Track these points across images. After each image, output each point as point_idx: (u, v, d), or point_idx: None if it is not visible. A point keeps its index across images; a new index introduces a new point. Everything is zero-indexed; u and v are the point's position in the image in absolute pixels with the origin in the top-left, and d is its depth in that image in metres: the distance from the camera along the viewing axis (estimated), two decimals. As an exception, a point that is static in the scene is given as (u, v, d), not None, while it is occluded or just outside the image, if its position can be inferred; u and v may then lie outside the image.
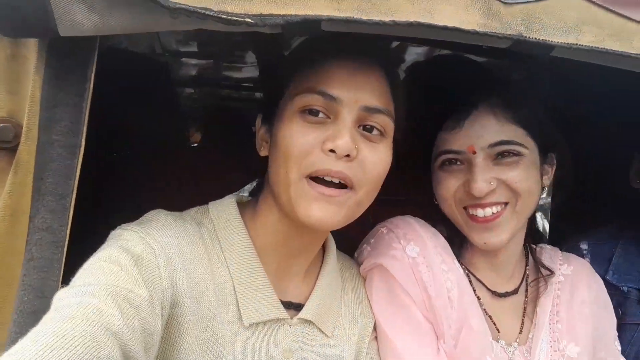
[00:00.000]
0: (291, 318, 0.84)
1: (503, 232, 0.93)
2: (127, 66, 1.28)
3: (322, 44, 0.79)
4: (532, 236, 1.09)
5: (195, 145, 2.65)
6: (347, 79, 0.77)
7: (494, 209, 0.93)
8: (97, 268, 0.65)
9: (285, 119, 0.78)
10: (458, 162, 0.95)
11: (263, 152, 0.86)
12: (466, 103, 0.94)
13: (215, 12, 0.56)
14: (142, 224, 0.75)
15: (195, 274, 0.75)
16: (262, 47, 1.54)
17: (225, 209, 0.85)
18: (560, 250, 1.14)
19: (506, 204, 0.93)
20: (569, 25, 0.66)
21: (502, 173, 0.92)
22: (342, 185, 0.77)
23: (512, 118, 0.93)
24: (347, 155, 0.75)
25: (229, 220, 0.83)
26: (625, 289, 1.14)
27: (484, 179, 0.91)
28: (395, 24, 0.61)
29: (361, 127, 0.79)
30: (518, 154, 0.92)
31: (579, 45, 0.65)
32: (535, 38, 0.65)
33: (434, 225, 1.03)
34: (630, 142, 1.21)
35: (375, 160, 0.79)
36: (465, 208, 0.95)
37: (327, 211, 0.76)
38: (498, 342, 0.97)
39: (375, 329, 0.96)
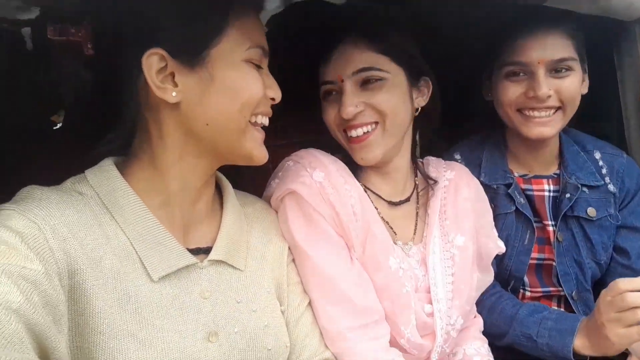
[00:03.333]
0: (201, 262, 0.85)
1: (377, 149, 1.06)
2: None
3: None
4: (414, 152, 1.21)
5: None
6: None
7: (365, 129, 1.05)
8: None
9: (231, 65, 0.81)
10: (334, 92, 1.08)
11: (172, 98, 0.78)
12: (332, 39, 1.07)
13: None
14: (19, 201, 0.72)
15: (88, 240, 0.73)
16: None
17: (105, 175, 0.81)
18: None
19: (376, 123, 1.04)
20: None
21: (369, 97, 1.03)
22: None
23: (375, 48, 1.04)
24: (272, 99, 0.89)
25: (112, 186, 0.80)
26: (495, 186, 1.31)
27: (351, 103, 1.02)
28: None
29: None
30: (380, 79, 1.03)
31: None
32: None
33: (332, 154, 1.10)
34: (480, 66, 1.38)
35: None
36: (344, 131, 1.07)
37: (265, 151, 0.89)
38: (397, 243, 1.09)
39: (290, 252, 1.01)
